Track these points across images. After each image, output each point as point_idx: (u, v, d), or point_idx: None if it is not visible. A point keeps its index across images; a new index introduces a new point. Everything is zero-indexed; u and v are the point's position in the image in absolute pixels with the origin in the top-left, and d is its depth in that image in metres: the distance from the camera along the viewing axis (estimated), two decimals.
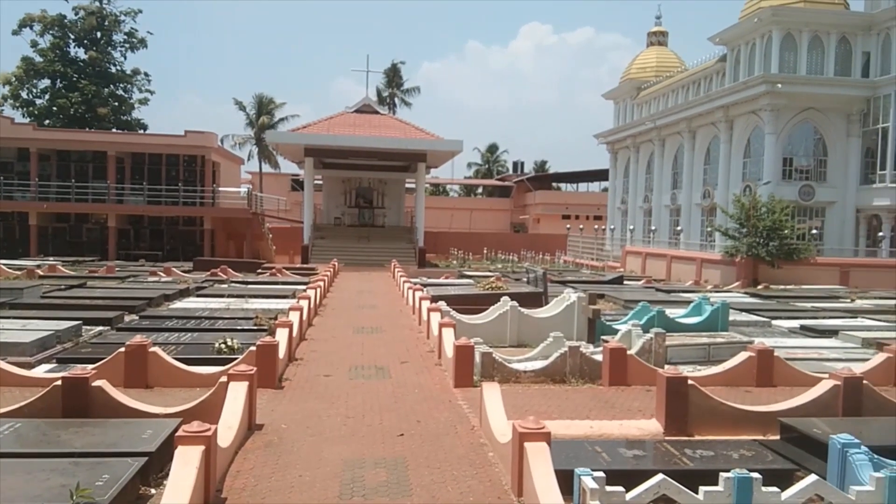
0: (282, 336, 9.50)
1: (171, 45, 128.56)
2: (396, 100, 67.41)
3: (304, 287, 17.13)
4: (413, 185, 39.36)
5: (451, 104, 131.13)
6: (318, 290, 16.26)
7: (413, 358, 10.33)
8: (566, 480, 4.49)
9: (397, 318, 14.71)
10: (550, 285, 19.52)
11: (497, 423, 5.97)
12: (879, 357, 9.10)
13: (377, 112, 38.89)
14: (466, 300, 14.48)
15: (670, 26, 47.81)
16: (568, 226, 48.04)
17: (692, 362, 10.13)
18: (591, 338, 11.53)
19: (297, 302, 12.91)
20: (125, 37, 49.80)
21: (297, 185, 53.09)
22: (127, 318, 13.28)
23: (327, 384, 8.57)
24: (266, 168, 61.21)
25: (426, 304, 12.51)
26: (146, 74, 51.40)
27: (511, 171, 78.15)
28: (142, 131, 48.44)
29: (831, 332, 13.06)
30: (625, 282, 24.61)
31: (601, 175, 60.02)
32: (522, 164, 78.32)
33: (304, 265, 30.35)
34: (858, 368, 8.34)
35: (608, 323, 12.20)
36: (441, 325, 10.10)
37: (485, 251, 41.21)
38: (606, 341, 9.28)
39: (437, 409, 7.50)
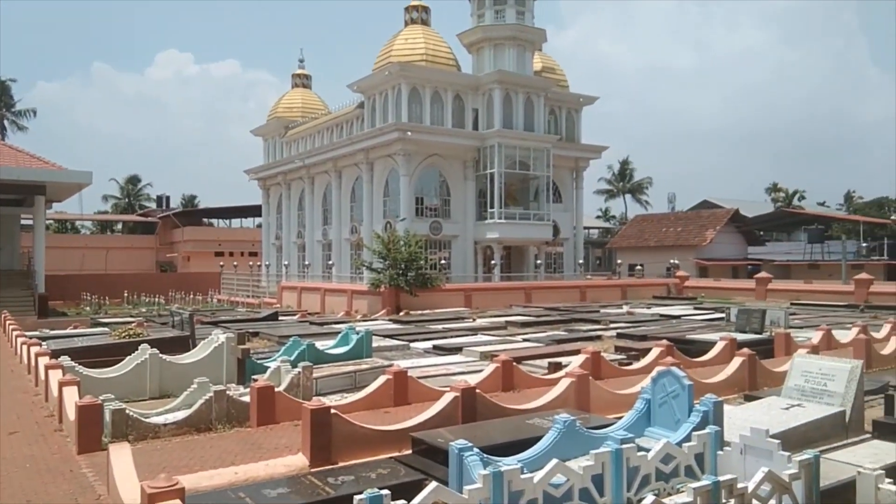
0: None
1: None
2: (6, 123, 57.40)
3: None
4: (31, 222, 33.72)
5: (80, 131, 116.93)
6: None
7: (26, 426, 8.75)
8: None
9: (7, 380, 12.34)
10: (202, 327, 18.57)
11: (126, 488, 5.37)
12: (491, 367, 10.68)
13: None
14: (97, 352, 12.84)
15: (313, 70, 50.16)
16: (221, 263, 46.35)
17: (340, 391, 10.57)
18: (242, 378, 11.22)
19: None
20: None
21: None
22: None
23: None
24: None
25: (44, 361, 10.75)
26: None
27: (156, 206, 72.52)
28: None
29: (457, 350, 14.92)
30: (280, 317, 24.63)
31: (255, 210, 59.50)
32: (168, 198, 73.43)
33: None
34: (474, 379, 9.68)
35: (259, 361, 12.02)
36: (62, 384, 8.76)
37: (125, 294, 37.27)
38: (256, 380, 9.12)
39: (54, 482, 6.45)
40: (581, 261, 39.61)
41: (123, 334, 13.97)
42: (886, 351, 13.07)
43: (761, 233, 56.03)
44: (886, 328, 15.31)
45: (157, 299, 36.10)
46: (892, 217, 48.74)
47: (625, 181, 74.09)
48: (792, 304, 26.30)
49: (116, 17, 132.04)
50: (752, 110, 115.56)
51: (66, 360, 10.65)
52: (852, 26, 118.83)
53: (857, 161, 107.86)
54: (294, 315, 26.31)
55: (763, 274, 32.67)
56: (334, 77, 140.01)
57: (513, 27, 34.94)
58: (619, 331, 18.05)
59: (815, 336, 13.97)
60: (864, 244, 46.19)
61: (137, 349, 11.43)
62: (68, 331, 19.16)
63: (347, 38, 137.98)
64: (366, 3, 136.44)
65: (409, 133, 32.30)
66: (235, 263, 45.05)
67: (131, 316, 25.56)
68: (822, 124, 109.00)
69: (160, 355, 11.17)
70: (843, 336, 14.50)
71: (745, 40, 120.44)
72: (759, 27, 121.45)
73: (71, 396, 8.27)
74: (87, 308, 32.67)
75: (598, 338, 17.36)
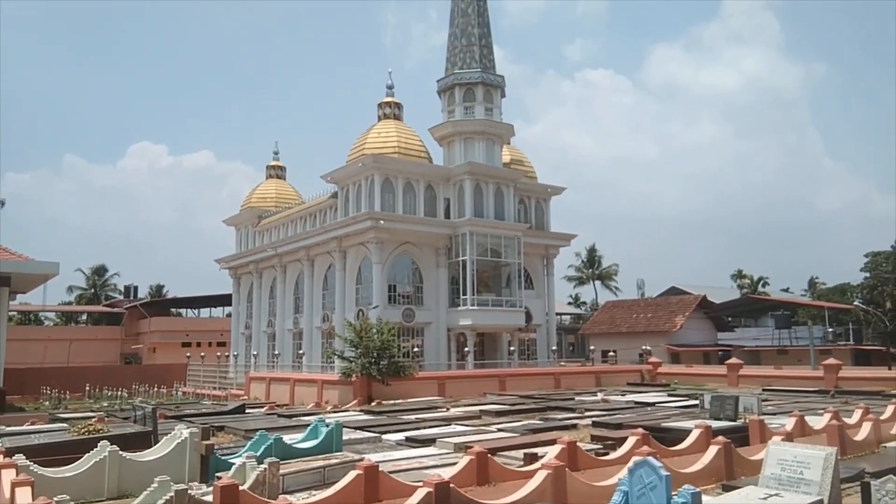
0: None
1: None
2: None
3: None
4: None
5: (49, 221, 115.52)
6: None
7: None
8: None
9: None
10: (165, 421, 17.90)
11: None
12: (465, 460, 10.40)
13: None
14: (55, 449, 12.25)
15: (288, 161, 50.97)
16: (188, 354, 45.24)
17: (308, 488, 10.17)
18: (205, 476, 10.77)
19: None
20: None
21: None
22: None
23: None
24: None
25: None
26: None
27: (123, 297, 71.26)
28: None
29: (430, 441, 14.56)
30: (247, 410, 23.88)
31: (225, 300, 58.81)
32: (136, 288, 72.26)
33: None
34: (448, 473, 9.42)
35: (224, 457, 11.58)
36: (14, 485, 8.31)
37: (87, 388, 35.93)
38: (220, 478, 8.75)
39: None
40: (554, 347, 39.53)
41: (83, 430, 13.43)
42: (859, 437, 13.10)
43: (729, 319, 56.81)
44: (858, 414, 15.39)
45: (120, 393, 34.85)
46: (855, 303, 49.94)
47: (594, 268, 75.25)
48: (764, 390, 26.40)
49: (90, 110, 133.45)
50: (713, 199, 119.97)
51: (20, 458, 10.13)
52: (805, 121, 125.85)
53: (818, 248, 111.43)
54: (262, 407, 25.55)
55: (734, 360, 32.89)
56: (308, 168, 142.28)
57: (482, 122, 36.29)
58: (594, 419, 17.86)
59: (789, 423, 13.96)
60: (831, 329, 47.05)
61: (97, 446, 10.96)
62: (25, 427, 18.31)
63: (322, 131, 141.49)
64: (340, 98, 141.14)
65: (382, 222, 32.72)
66: (203, 354, 43.99)
67: (92, 411, 24.60)
68: (781, 212, 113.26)
69: (120, 452, 10.71)
70: (816, 422, 14.52)
71: (703, 133, 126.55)
72: (715, 121, 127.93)
73: (24, 498, 7.85)
74: (47, 403, 31.41)
75: (574, 426, 17.13)
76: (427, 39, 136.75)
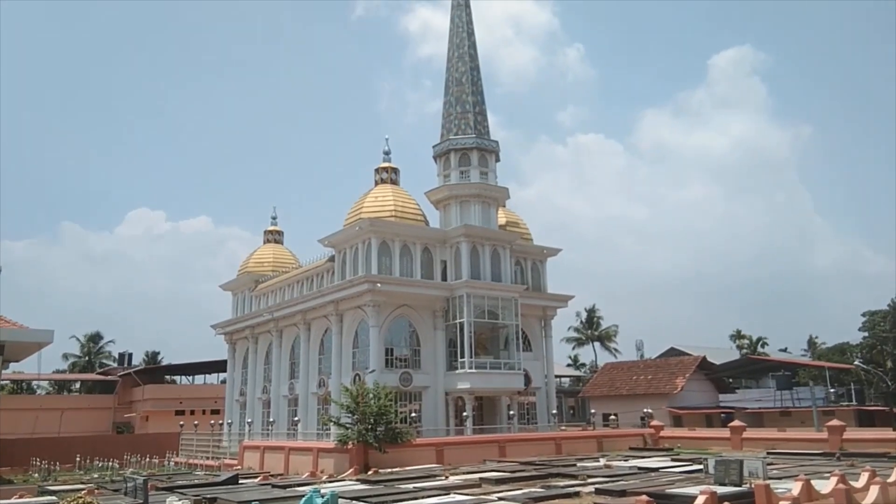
0: None
1: None
2: None
3: None
4: None
5: (45, 289, 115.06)
6: None
7: None
8: None
9: None
10: (156, 493, 17.51)
11: None
12: None
13: None
14: None
15: (285, 225, 51.45)
16: (181, 423, 44.46)
17: None
18: None
19: None
20: None
21: None
22: None
23: None
24: None
25: None
26: None
27: (117, 364, 70.45)
28: None
29: None
30: (241, 480, 23.32)
31: (220, 366, 58.13)
32: (130, 355, 71.52)
33: None
34: None
35: None
36: None
37: (78, 458, 35.14)
38: None
39: None
40: (554, 411, 38.89)
41: (72, 503, 13.12)
42: (867, 501, 12.84)
43: (730, 380, 56.20)
44: (865, 477, 15.10)
45: (111, 463, 34.08)
46: (856, 362, 49.58)
47: (592, 329, 74.96)
48: (768, 453, 25.91)
49: (89, 178, 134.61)
50: (707, 260, 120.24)
51: None
52: (794, 181, 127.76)
53: (814, 307, 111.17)
54: (256, 477, 24.96)
55: (737, 422, 32.39)
56: (306, 233, 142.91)
57: (477, 186, 36.83)
58: (597, 486, 17.44)
59: (795, 487, 13.66)
60: (832, 390, 46.52)
61: None
62: (13, 501, 17.85)
63: (319, 196, 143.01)
64: (338, 164, 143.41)
65: (379, 285, 32.74)
66: (196, 423, 43.22)
67: (82, 482, 24.06)
68: (775, 272, 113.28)
69: None
70: (823, 486, 14.23)
71: (693, 194, 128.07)
72: (705, 183, 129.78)
73: None
74: (36, 475, 30.66)
75: (577, 494, 16.72)
76: (422, 106, 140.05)
